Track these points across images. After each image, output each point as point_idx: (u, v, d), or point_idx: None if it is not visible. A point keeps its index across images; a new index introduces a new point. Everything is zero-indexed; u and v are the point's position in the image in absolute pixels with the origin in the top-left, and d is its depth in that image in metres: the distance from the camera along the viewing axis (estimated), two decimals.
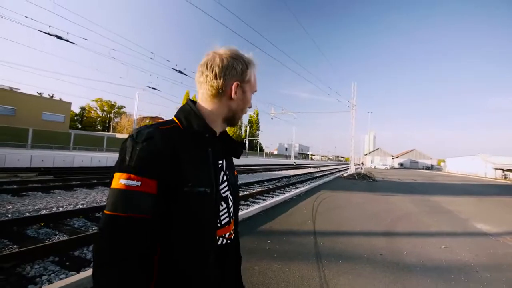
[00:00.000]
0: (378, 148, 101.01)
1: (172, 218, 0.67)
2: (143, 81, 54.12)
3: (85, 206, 5.54)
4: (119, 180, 0.62)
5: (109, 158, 16.17)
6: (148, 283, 0.66)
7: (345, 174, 21.06)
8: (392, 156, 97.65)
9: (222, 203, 0.81)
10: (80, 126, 54.13)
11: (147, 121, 50.71)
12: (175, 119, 0.78)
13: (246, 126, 63.87)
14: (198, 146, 0.75)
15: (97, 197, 6.62)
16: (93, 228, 4.23)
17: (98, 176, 10.07)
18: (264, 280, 2.74)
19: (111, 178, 0.64)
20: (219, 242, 0.79)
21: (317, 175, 20.95)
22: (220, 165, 0.83)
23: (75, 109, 54.51)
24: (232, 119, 0.84)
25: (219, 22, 9.86)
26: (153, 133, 0.67)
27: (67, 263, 2.95)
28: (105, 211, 0.61)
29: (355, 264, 3.32)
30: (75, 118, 54.29)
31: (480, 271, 3.33)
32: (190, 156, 0.71)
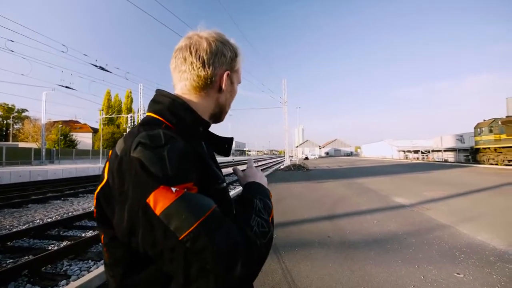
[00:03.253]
0: (307, 140, 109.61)
1: None
2: (52, 79, 45.70)
3: None
4: (172, 190, 0.50)
5: (13, 172, 13.30)
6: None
7: (282, 167, 22.24)
8: (319, 146, 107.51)
9: None
10: None
11: (60, 125, 43.48)
12: (154, 115, 0.64)
13: None
14: (197, 141, 0.66)
15: (5, 222, 5.38)
16: (7, 262, 3.40)
17: (0, 197, 8.19)
18: None
19: (143, 207, 0.49)
20: None
21: None
22: (216, 160, 0.75)
23: None
24: (219, 115, 0.75)
25: (143, 11, 8.94)
26: (168, 134, 0.56)
27: None
28: (190, 229, 0.48)
29: (310, 249, 3.53)
30: None
31: (407, 238, 3.93)
32: (203, 152, 0.64)
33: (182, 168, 0.53)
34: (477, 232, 4.10)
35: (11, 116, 45.98)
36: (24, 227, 4.82)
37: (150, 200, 0.49)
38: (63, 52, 12.28)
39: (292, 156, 30.80)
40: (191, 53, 0.66)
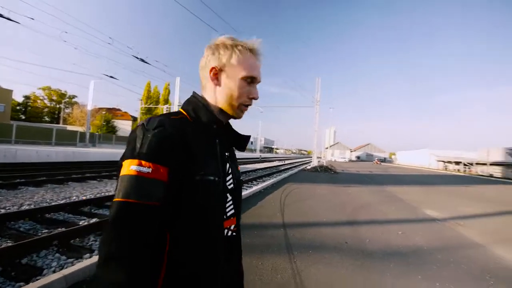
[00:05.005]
0: (338, 142, 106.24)
1: (181, 208, 0.66)
2: (99, 69, 49.52)
3: (32, 206, 4.94)
4: (130, 167, 0.61)
5: (59, 152, 14.62)
6: (158, 275, 0.64)
7: (308, 167, 21.85)
8: (351, 149, 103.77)
9: (228, 194, 0.81)
10: (23, 117, 48.21)
11: (103, 112, 46.94)
12: (182, 111, 0.78)
13: None
14: (206, 137, 0.76)
15: (47, 196, 5.96)
16: (43, 232, 3.79)
17: (47, 173, 9.07)
18: None
19: (119, 166, 0.64)
20: (225, 234, 0.80)
21: (282, 168, 21.38)
22: (226, 156, 0.83)
23: (18, 98, 48.45)
24: (228, 110, 0.80)
25: (185, 8, 9.29)
26: (164, 121, 0.67)
27: (13, 274, 2.60)
28: (116, 199, 0.59)
29: (324, 253, 3.43)
30: (18, 108, 48.23)
31: (433, 254, 3.66)
32: (200, 145, 0.72)
33: (155, 151, 0.62)
34: None
35: (63, 101, 50.58)
36: (62, 202, 5.30)
37: (123, 164, 0.63)
38: (109, 43, 13.19)
39: (321, 158, 30.12)
40: (202, 58, 0.81)
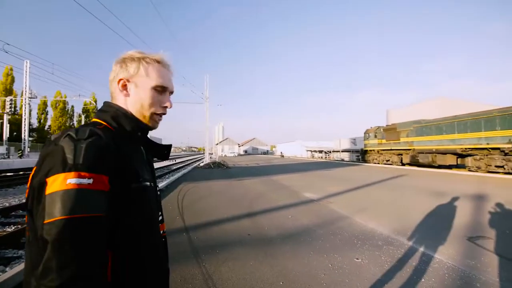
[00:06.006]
0: (227, 138, 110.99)
1: (119, 218, 0.63)
2: None
3: None
4: (66, 181, 0.55)
5: None
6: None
7: (201, 164, 21.75)
8: (239, 144, 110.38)
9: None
10: None
11: None
12: (99, 121, 0.74)
13: (80, 116, 51.94)
14: (133, 145, 0.76)
15: None
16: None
17: None
18: None
19: (42, 184, 0.56)
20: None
21: (175, 167, 20.43)
22: (152, 164, 0.85)
23: None
24: (145, 118, 0.79)
25: None
26: (94, 130, 0.64)
27: None
28: (51, 219, 0.52)
29: (231, 250, 3.48)
30: None
31: (316, 230, 4.35)
32: (130, 153, 0.71)
33: (94, 161, 0.58)
34: (368, 221, 4.89)
35: None
36: None
37: (49, 180, 0.55)
38: None
39: (212, 154, 30.59)
40: (111, 72, 0.80)
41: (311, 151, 54.99)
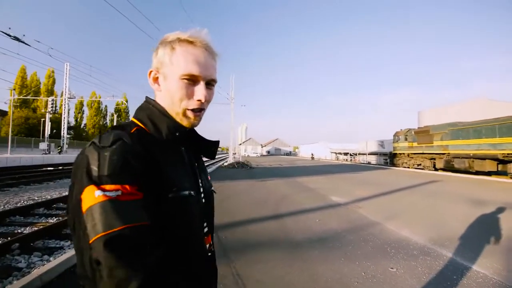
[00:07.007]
0: (250, 138, 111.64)
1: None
2: None
3: None
4: (94, 195, 0.50)
5: None
6: None
7: (225, 164, 22.07)
8: (261, 145, 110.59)
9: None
10: None
11: None
12: (135, 121, 0.68)
13: (113, 115, 54.99)
14: (171, 147, 0.67)
15: None
16: None
17: None
18: None
19: (78, 201, 0.51)
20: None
21: None
22: (196, 166, 0.75)
23: None
24: (178, 115, 0.68)
25: None
26: (120, 133, 0.57)
27: None
28: (96, 237, 0.47)
29: (259, 251, 3.48)
30: None
31: (346, 235, 4.22)
32: (166, 157, 0.63)
33: (119, 170, 0.52)
34: (401, 228, 4.66)
35: None
36: None
37: (84, 197, 0.51)
38: None
39: (235, 154, 30.96)
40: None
41: (335, 153, 53.70)
